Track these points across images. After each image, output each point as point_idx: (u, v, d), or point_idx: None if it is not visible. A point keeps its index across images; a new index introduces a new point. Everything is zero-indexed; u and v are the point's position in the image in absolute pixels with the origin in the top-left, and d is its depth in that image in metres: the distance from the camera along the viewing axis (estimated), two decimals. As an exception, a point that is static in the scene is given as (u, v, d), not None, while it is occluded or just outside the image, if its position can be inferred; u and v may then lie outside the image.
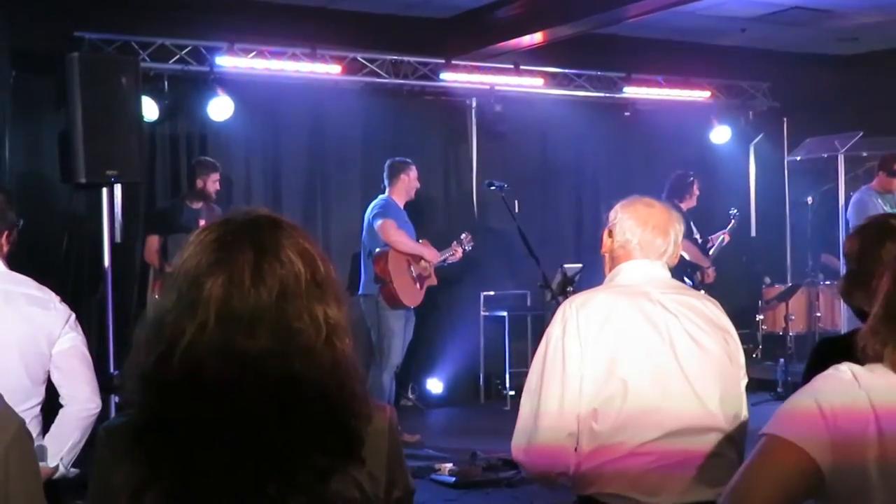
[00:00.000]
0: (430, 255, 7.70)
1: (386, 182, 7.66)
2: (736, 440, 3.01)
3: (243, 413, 1.59)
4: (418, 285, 7.61)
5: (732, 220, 9.29)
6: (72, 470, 3.38)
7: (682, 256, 8.15)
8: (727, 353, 3.05)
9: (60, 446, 3.34)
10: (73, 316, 3.46)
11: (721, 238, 9.05)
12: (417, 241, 7.71)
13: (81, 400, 3.40)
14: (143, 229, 8.05)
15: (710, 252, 8.87)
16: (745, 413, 3.07)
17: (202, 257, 1.65)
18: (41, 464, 3.24)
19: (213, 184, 7.82)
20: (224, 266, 1.63)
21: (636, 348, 2.93)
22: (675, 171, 8.83)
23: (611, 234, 3.16)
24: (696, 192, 8.73)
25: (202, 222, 6.56)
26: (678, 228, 3.13)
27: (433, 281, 7.75)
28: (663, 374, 2.93)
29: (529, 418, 2.96)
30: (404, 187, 7.62)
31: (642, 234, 3.09)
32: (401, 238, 7.44)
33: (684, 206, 8.59)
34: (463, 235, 8.13)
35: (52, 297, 3.43)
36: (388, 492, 1.73)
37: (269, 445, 1.60)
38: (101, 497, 1.72)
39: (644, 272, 3.09)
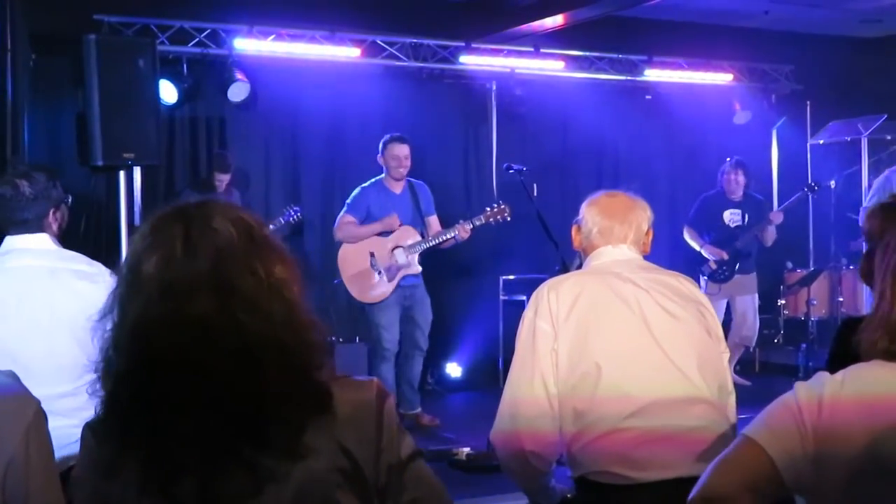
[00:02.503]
0: (381, 233, 7.22)
1: None
2: (725, 413, 3.03)
3: (199, 375, 1.62)
4: (385, 278, 7.17)
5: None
6: None
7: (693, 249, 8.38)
8: (703, 325, 3.10)
9: None
10: None
11: (766, 227, 8.73)
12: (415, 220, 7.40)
13: None
14: (162, 213, 8.06)
15: (738, 242, 8.67)
16: (731, 386, 3.13)
17: (139, 244, 1.71)
18: None
19: (218, 182, 7.79)
20: (157, 245, 1.68)
21: (607, 323, 2.98)
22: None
23: (579, 229, 3.29)
24: (732, 180, 8.64)
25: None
26: (641, 216, 3.25)
27: (412, 270, 7.24)
28: (636, 347, 2.97)
29: (502, 403, 3.09)
30: (385, 167, 7.35)
31: (601, 222, 3.21)
32: (342, 233, 7.28)
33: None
34: (493, 206, 7.50)
35: (102, 271, 3.42)
36: (376, 458, 1.77)
37: (233, 403, 1.62)
38: (82, 485, 1.75)
39: (612, 256, 3.21)
